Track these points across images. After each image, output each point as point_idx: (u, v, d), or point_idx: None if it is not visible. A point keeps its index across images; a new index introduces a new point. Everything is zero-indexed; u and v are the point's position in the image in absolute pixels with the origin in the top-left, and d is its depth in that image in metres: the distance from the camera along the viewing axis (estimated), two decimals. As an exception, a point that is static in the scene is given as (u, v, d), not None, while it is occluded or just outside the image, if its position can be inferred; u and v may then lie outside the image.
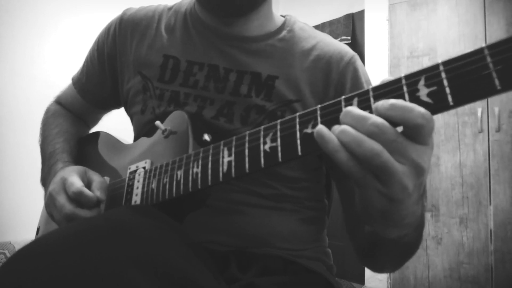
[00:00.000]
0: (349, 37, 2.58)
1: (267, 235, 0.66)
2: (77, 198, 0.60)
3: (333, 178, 0.74)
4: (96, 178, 0.65)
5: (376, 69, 2.31)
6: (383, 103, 0.35)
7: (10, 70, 1.83)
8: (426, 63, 2.13)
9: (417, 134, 0.35)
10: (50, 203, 0.64)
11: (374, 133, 0.35)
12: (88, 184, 0.64)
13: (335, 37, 2.56)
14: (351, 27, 2.59)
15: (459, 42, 2.04)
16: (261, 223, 0.66)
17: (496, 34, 1.93)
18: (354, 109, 0.37)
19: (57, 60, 2.00)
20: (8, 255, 1.61)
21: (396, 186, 0.37)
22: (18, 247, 1.65)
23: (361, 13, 2.55)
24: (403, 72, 1.96)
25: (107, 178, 0.70)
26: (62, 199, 0.61)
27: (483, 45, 0.32)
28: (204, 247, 0.56)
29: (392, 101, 0.35)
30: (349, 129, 0.36)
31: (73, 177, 0.63)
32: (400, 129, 0.36)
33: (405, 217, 0.41)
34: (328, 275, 0.69)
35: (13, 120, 1.82)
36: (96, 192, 0.62)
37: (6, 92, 1.81)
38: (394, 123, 0.35)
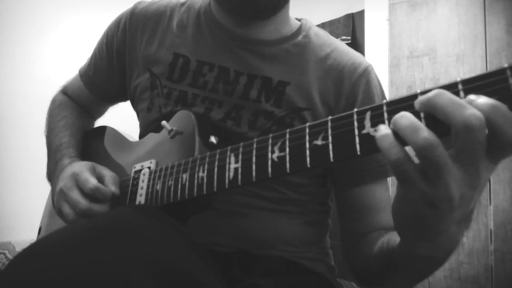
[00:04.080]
0: (349, 37, 2.58)
1: (270, 237, 0.65)
2: (93, 194, 0.61)
3: (335, 189, 0.73)
4: (107, 172, 0.65)
5: (376, 69, 2.31)
6: (486, 100, 0.31)
7: (10, 71, 1.83)
8: (426, 63, 2.13)
9: (503, 151, 0.32)
10: (60, 199, 0.64)
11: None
12: (99, 179, 0.64)
13: (335, 37, 2.56)
14: (351, 27, 2.59)
15: (459, 42, 2.04)
16: (265, 225, 0.65)
17: (496, 34, 1.93)
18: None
19: (57, 61, 1.99)
20: (8, 255, 1.61)
21: (442, 190, 0.34)
22: (18, 247, 1.64)
23: (361, 13, 2.55)
24: (403, 72, 1.94)
25: None
26: (75, 195, 0.61)
27: (505, 65, 0.31)
28: (206, 248, 0.56)
29: (495, 102, 0.30)
30: (408, 114, 0.34)
31: (85, 173, 0.63)
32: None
33: (441, 234, 0.38)
34: (329, 276, 0.69)
35: (13, 120, 1.81)
36: (111, 187, 0.62)
37: (6, 92, 1.81)
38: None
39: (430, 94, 0.32)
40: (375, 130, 0.36)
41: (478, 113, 0.30)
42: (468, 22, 2.03)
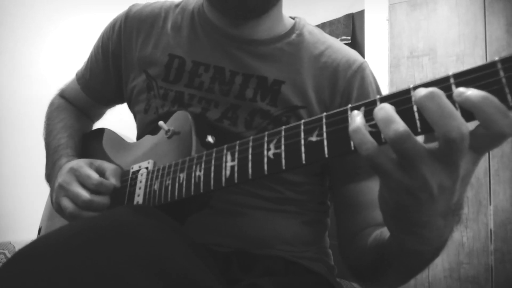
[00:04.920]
0: (349, 37, 2.57)
1: (269, 237, 0.66)
2: (97, 190, 0.61)
3: (330, 186, 0.73)
4: (107, 165, 0.66)
5: (376, 69, 2.31)
6: (476, 92, 0.31)
7: (9, 71, 1.83)
8: (426, 63, 2.13)
9: (491, 142, 0.32)
10: (59, 194, 0.64)
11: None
12: (100, 173, 0.64)
13: (335, 37, 2.55)
14: (351, 27, 2.59)
15: (459, 42, 2.04)
16: (264, 225, 0.66)
17: (496, 34, 1.93)
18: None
19: (56, 61, 2.00)
20: (8, 255, 1.61)
21: (418, 179, 0.34)
22: (18, 247, 1.64)
23: (361, 13, 2.54)
24: (403, 72, 1.93)
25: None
26: (76, 188, 0.62)
27: (496, 58, 0.31)
28: (205, 248, 0.56)
29: (485, 93, 0.31)
30: (387, 106, 0.34)
31: (85, 168, 0.63)
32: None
33: (426, 226, 0.39)
34: (328, 276, 0.69)
35: (13, 120, 1.81)
36: (112, 180, 0.63)
37: (5, 92, 1.81)
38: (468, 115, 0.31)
39: (422, 94, 0.32)
40: (369, 126, 0.37)
41: (462, 127, 0.31)
42: (468, 22, 2.03)
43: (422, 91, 0.32)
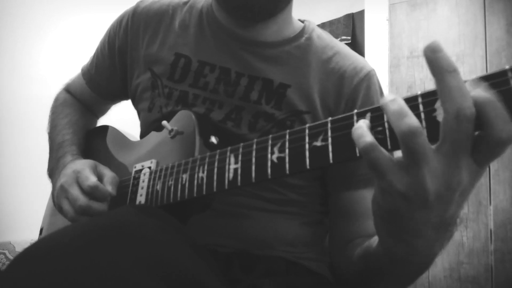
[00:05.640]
0: (349, 37, 2.57)
1: (270, 238, 0.65)
2: (91, 192, 0.61)
3: (329, 190, 0.73)
4: (107, 172, 0.65)
5: (376, 69, 2.31)
6: (483, 92, 0.30)
7: (9, 71, 1.83)
8: (426, 63, 2.13)
9: (489, 150, 0.32)
10: (60, 195, 0.64)
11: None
12: (99, 178, 0.64)
13: (335, 37, 2.55)
14: (351, 27, 2.59)
15: (459, 42, 2.04)
16: (265, 226, 0.65)
17: (496, 34, 1.93)
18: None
19: (56, 61, 1.99)
20: (8, 255, 1.61)
21: (416, 182, 0.34)
22: (18, 247, 1.64)
23: (361, 13, 2.54)
24: (403, 72, 1.93)
25: None
26: (75, 192, 0.61)
27: (507, 67, 0.31)
28: (207, 248, 0.56)
29: (492, 96, 0.30)
30: (399, 99, 0.33)
31: (86, 171, 0.63)
32: None
33: (416, 235, 0.38)
34: (330, 276, 0.69)
35: (13, 120, 1.81)
36: (108, 187, 0.62)
37: (6, 92, 1.81)
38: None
39: (446, 71, 0.31)
40: (375, 133, 0.36)
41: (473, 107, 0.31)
42: (468, 22, 2.03)
43: (444, 69, 0.32)
